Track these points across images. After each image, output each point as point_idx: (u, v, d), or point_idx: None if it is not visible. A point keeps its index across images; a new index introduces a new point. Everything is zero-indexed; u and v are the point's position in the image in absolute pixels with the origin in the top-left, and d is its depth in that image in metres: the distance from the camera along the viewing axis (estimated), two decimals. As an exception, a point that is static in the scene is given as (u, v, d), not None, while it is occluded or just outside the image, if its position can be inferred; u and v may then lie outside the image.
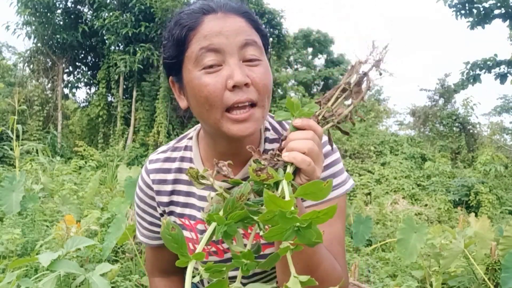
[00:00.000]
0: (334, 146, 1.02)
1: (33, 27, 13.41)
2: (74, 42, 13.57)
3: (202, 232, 1.08)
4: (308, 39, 24.15)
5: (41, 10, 13.10)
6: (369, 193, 11.24)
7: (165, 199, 1.13)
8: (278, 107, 13.54)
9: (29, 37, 13.72)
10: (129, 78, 14.14)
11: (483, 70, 12.43)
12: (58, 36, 13.52)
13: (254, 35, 0.98)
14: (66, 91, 14.98)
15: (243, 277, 0.80)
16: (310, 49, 25.02)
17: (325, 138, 1.02)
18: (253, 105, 0.91)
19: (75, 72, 15.20)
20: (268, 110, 0.99)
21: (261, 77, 0.92)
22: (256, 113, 0.92)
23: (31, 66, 14.55)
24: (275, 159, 0.79)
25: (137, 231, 1.24)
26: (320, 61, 25.22)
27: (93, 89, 15.31)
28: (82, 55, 15.20)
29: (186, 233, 1.10)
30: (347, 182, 1.12)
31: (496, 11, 11.63)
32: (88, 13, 14.03)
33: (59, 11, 13.72)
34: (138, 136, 13.36)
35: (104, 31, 13.15)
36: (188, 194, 1.12)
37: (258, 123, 0.93)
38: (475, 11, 11.60)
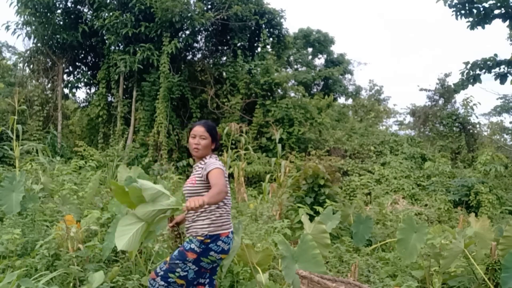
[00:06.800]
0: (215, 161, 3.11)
1: (33, 27, 13.38)
2: (74, 42, 13.54)
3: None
4: (308, 39, 24.14)
5: (41, 10, 13.08)
6: (369, 193, 11.23)
7: None
8: (278, 107, 13.53)
9: (29, 37, 13.71)
10: (129, 78, 14.13)
11: (483, 70, 12.41)
12: (58, 36, 13.49)
13: (205, 133, 3.19)
14: (66, 91, 14.95)
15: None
16: (310, 49, 25.00)
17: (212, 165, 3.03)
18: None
19: (75, 72, 15.18)
20: (206, 151, 3.20)
21: (202, 143, 3.18)
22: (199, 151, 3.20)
23: (31, 66, 14.52)
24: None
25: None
26: (320, 61, 25.23)
27: (93, 89, 15.31)
28: (82, 55, 15.18)
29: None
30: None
31: (496, 11, 11.62)
32: (88, 13, 14.00)
33: (59, 11, 13.68)
34: (138, 136, 13.35)
35: (104, 31, 13.14)
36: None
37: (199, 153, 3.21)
38: (475, 11, 11.58)
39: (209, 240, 2.98)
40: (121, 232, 2.50)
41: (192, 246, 2.99)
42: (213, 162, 3.03)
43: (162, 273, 3.00)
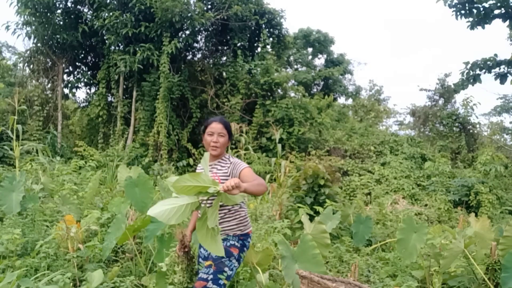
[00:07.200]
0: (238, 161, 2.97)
1: (33, 27, 13.38)
2: (74, 42, 13.55)
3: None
4: (308, 39, 24.13)
5: (41, 10, 13.08)
6: (369, 193, 11.24)
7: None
8: (278, 107, 13.53)
9: (29, 37, 13.71)
10: (129, 78, 14.13)
11: (483, 70, 12.42)
12: (58, 36, 13.49)
13: (224, 129, 2.99)
14: (66, 91, 14.95)
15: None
16: (310, 49, 25.00)
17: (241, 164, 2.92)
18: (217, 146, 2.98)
19: (75, 72, 15.18)
20: (224, 149, 3.03)
21: (221, 141, 2.97)
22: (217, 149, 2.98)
23: (31, 66, 14.53)
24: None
25: None
26: (320, 61, 25.23)
27: (93, 89, 15.30)
28: (82, 55, 15.18)
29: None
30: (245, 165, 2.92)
31: (496, 11, 11.63)
32: (88, 13, 14.00)
33: (59, 11, 13.68)
34: (138, 136, 13.35)
35: (104, 31, 13.14)
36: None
37: (218, 151, 2.98)
38: (475, 11, 11.59)
39: (243, 238, 2.96)
40: (157, 206, 2.32)
41: (232, 242, 2.90)
42: (240, 161, 2.95)
43: (211, 276, 2.79)
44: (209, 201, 2.47)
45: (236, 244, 2.91)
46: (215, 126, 2.97)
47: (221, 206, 2.82)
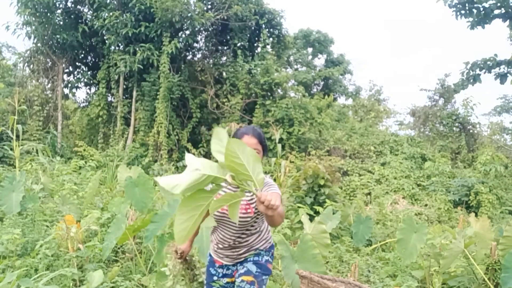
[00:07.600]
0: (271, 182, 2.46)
1: (33, 27, 13.38)
2: (74, 42, 13.55)
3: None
4: (308, 39, 24.12)
5: (41, 10, 13.08)
6: (369, 193, 11.24)
7: None
8: (278, 107, 13.52)
9: (29, 37, 13.70)
10: (129, 78, 14.13)
11: (483, 70, 12.43)
12: (58, 36, 13.50)
13: (258, 145, 2.45)
14: (66, 91, 14.95)
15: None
16: (310, 49, 24.98)
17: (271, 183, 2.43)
18: None
19: (75, 72, 15.18)
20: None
21: None
22: None
23: (31, 66, 14.52)
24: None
25: None
26: (320, 61, 25.18)
27: (93, 89, 15.30)
28: (82, 55, 15.18)
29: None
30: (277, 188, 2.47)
31: (496, 11, 11.64)
32: (88, 13, 14.01)
33: (59, 11, 13.68)
34: (138, 136, 13.35)
35: (104, 31, 13.14)
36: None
37: None
38: (475, 11, 11.60)
39: (272, 250, 2.84)
40: (180, 224, 1.69)
41: (266, 257, 2.76)
42: (273, 183, 2.46)
43: None
44: (229, 189, 2.06)
45: (270, 260, 2.76)
46: (249, 142, 2.38)
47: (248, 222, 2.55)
